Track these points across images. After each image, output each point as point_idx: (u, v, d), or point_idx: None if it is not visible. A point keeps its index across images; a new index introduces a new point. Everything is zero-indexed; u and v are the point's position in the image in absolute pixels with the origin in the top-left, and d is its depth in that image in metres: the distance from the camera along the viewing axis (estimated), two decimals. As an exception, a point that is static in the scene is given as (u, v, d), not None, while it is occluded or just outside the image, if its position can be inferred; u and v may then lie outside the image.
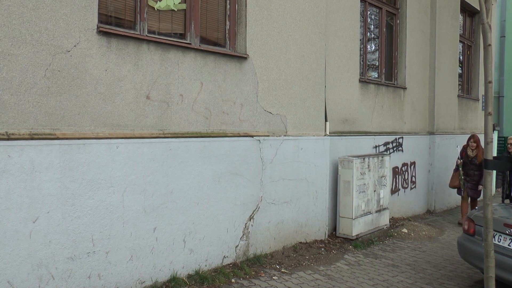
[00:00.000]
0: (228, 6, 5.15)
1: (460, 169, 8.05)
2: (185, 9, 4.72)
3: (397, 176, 8.23)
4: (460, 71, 10.77)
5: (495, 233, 4.35)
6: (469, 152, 8.02)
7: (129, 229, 4.05)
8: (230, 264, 5.00)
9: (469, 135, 8.31)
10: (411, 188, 8.68)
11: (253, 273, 4.86)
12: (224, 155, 4.88)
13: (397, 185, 8.22)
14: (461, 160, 8.08)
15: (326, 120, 6.33)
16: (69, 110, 3.67)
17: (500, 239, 4.37)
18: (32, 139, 3.42)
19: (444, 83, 9.51)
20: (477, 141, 7.91)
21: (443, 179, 9.40)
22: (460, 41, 10.43)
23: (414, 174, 8.77)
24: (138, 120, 4.14)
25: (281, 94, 5.62)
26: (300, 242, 5.91)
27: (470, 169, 8.03)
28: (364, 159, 6.50)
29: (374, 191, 6.76)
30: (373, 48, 8.07)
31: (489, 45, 3.25)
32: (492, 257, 3.22)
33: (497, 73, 14.89)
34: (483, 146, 6.62)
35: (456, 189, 8.35)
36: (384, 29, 8.10)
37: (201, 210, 4.66)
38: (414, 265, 5.56)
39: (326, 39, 6.39)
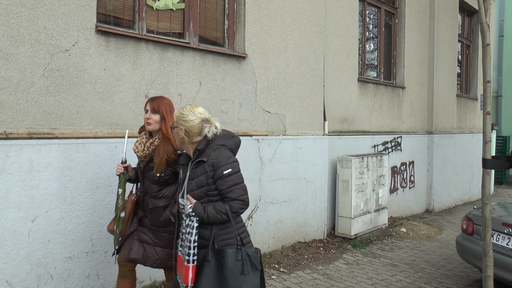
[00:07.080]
0: (227, 6, 5.15)
1: (120, 189, 3.18)
2: (183, 9, 4.72)
3: (395, 175, 8.24)
4: (459, 71, 10.78)
5: (494, 232, 4.36)
6: (137, 148, 3.17)
7: (128, 228, 4.04)
8: (229, 263, 4.99)
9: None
10: (410, 188, 8.68)
11: (252, 272, 4.85)
12: (223, 154, 4.87)
13: (396, 184, 8.23)
14: (125, 165, 3.23)
15: (324, 120, 6.33)
16: (67, 109, 3.66)
17: (499, 238, 4.38)
18: (30, 138, 3.41)
19: (443, 83, 9.52)
20: (159, 108, 3.11)
21: (441, 179, 9.42)
22: (458, 40, 10.44)
23: (413, 174, 8.78)
24: (137, 120, 4.13)
25: (280, 93, 5.62)
26: (299, 242, 5.91)
27: (146, 189, 3.18)
28: (363, 158, 6.51)
29: (373, 190, 6.76)
30: (372, 47, 8.07)
31: (488, 44, 3.25)
32: (490, 256, 3.23)
33: (495, 73, 14.90)
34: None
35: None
36: (383, 29, 8.11)
37: (200, 210, 4.65)
38: (412, 264, 5.56)
39: (324, 39, 6.39)
